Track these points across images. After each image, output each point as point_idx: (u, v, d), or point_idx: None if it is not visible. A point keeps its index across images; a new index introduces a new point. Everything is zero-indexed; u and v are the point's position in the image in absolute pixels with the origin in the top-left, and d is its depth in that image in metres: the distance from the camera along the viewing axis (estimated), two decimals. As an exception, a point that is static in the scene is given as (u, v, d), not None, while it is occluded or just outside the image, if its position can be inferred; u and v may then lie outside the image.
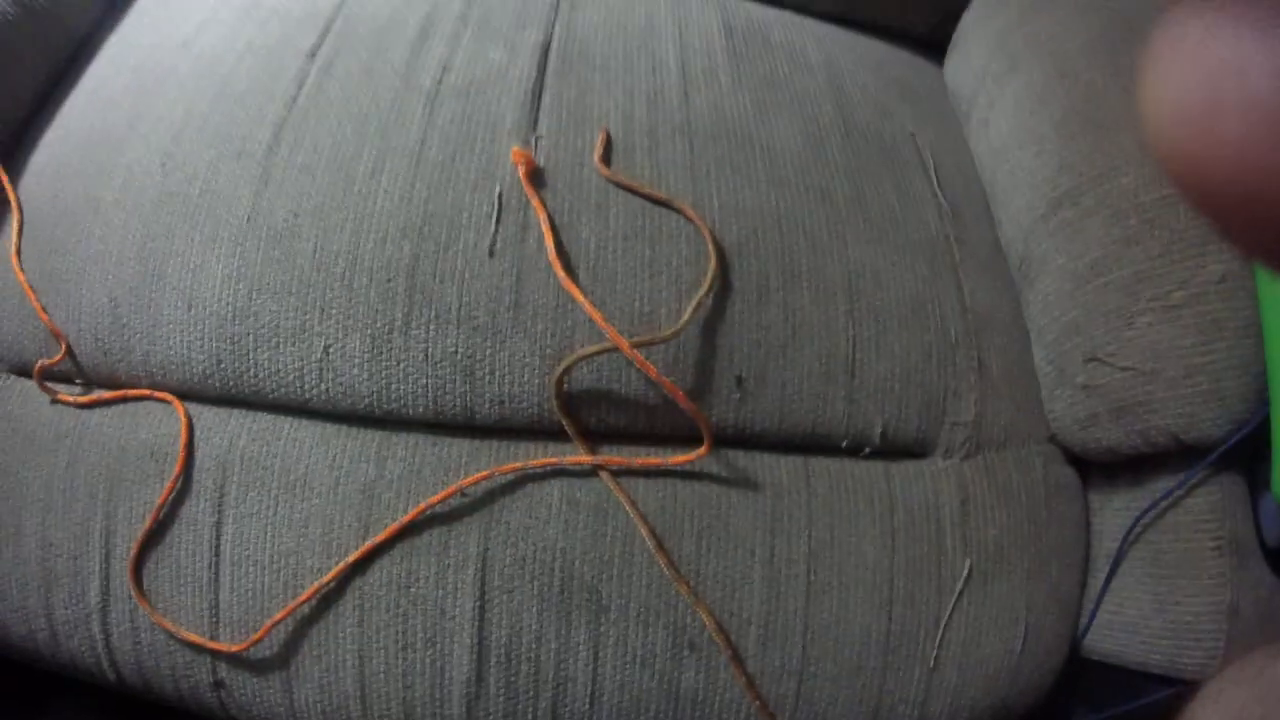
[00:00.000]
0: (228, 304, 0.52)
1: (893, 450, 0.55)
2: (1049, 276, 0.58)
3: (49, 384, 0.56)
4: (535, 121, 0.56)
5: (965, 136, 0.69)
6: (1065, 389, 0.57)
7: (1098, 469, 0.59)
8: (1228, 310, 0.50)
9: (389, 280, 0.50)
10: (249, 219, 0.53)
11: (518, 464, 0.48)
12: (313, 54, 0.61)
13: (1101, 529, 0.57)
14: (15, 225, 0.59)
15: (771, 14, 0.72)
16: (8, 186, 0.61)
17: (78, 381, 0.56)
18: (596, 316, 0.46)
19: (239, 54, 0.62)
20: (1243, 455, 0.52)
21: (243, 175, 0.55)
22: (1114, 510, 0.57)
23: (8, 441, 0.54)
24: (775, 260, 0.53)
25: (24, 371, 0.56)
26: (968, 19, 0.74)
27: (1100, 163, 0.56)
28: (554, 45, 0.62)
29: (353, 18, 0.64)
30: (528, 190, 0.50)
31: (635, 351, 0.47)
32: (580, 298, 0.47)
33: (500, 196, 0.51)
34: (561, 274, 0.47)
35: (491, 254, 0.50)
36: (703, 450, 0.49)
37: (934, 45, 0.76)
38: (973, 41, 0.72)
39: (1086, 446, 0.56)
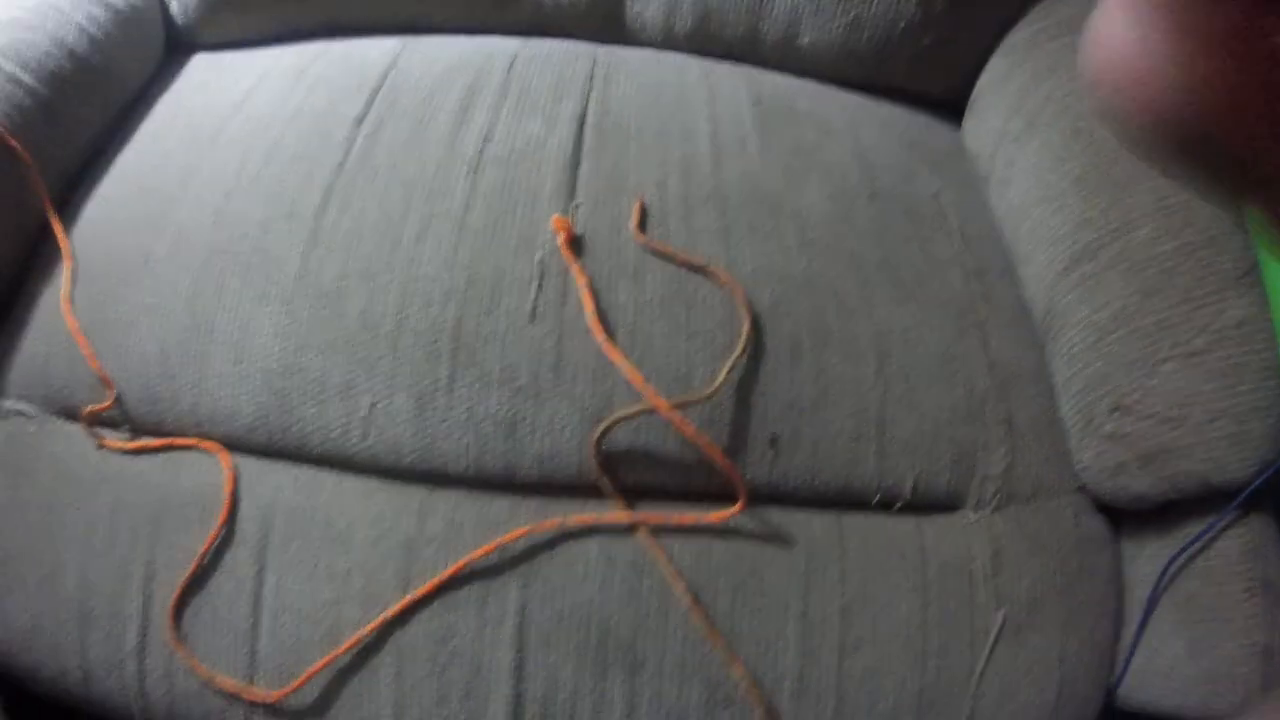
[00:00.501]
0: (276, 359, 0.55)
1: (924, 505, 0.56)
2: (1072, 329, 0.59)
3: (96, 429, 0.58)
4: (573, 190, 0.59)
5: (986, 196, 0.71)
6: (1093, 439, 0.57)
7: (1128, 517, 0.59)
8: (1249, 354, 0.51)
9: (434, 341, 0.53)
10: (298, 278, 0.56)
11: (557, 520, 0.50)
12: (360, 120, 0.65)
13: (1133, 577, 0.58)
14: (67, 272, 0.61)
15: (796, 84, 0.76)
16: (60, 234, 0.64)
17: (124, 427, 0.58)
18: (635, 379, 0.48)
19: (288, 118, 0.66)
20: (1272, 496, 0.53)
21: (292, 235, 0.58)
22: (1145, 558, 0.58)
23: (52, 482, 0.56)
24: (806, 322, 0.55)
25: (71, 415, 0.58)
26: (983, 82, 0.77)
27: (1117, 217, 0.58)
28: (590, 117, 0.66)
29: (398, 87, 0.68)
30: (567, 257, 0.53)
31: (673, 412, 0.48)
32: (619, 360, 0.49)
33: (541, 262, 0.54)
34: (601, 337, 0.49)
35: (533, 318, 0.53)
36: (738, 508, 0.50)
37: (952, 107, 0.79)
38: (989, 104, 0.74)
39: (1116, 495, 0.57)
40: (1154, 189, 0.57)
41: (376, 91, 0.67)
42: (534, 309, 0.53)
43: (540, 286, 0.53)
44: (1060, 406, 0.61)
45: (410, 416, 0.52)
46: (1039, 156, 0.65)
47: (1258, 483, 0.51)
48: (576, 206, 0.58)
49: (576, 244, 0.55)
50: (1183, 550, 0.54)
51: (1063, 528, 0.58)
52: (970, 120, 0.77)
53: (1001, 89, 0.72)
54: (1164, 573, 0.55)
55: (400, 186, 0.59)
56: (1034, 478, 0.58)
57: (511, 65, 0.70)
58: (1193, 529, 0.54)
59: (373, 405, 0.52)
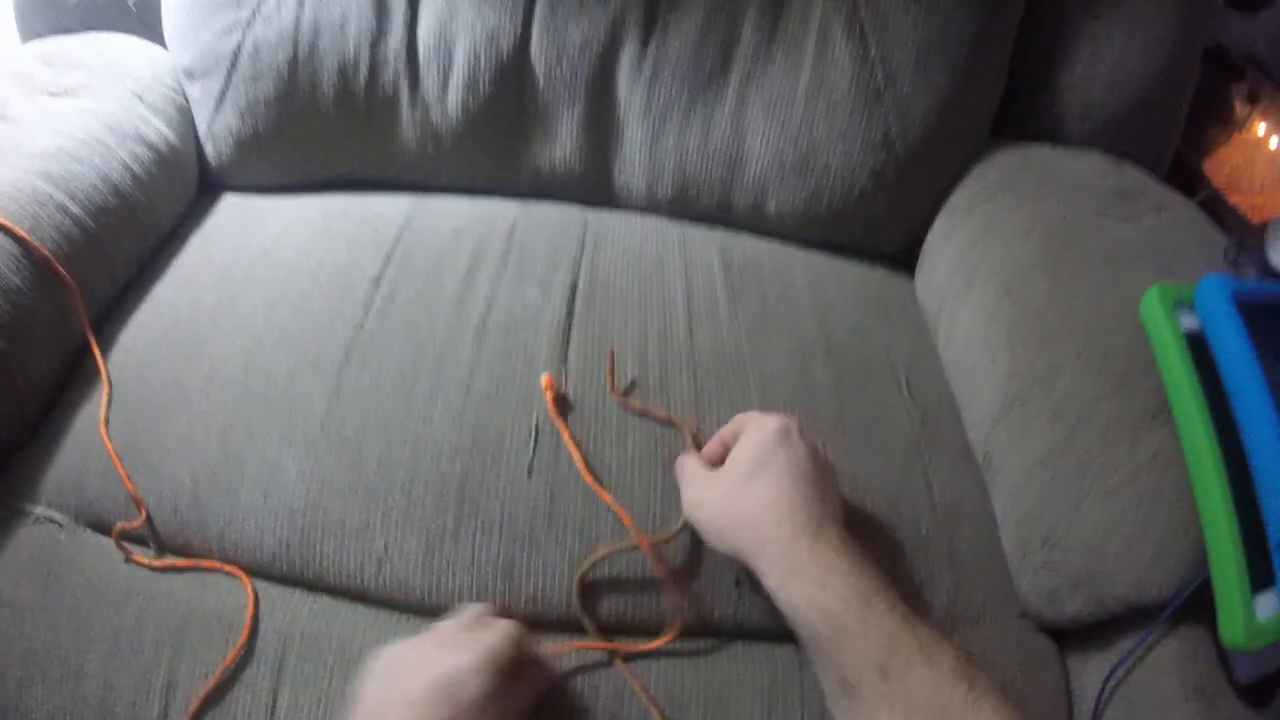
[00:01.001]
0: (300, 499, 0.62)
1: (874, 636, 0.63)
2: (1006, 470, 0.68)
3: (125, 544, 0.65)
4: (566, 357, 0.69)
5: (934, 343, 0.81)
6: (1028, 568, 0.65)
7: (1070, 635, 0.66)
8: (1162, 484, 0.58)
9: (442, 493, 0.61)
10: (322, 426, 0.64)
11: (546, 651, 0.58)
12: (377, 281, 0.74)
13: (1080, 690, 0.64)
14: (105, 395, 0.68)
15: (763, 245, 0.87)
16: (99, 358, 0.71)
17: (152, 545, 0.65)
18: (624, 517, 0.57)
19: (313, 272, 0.75)
20: (1205, 604, 0.58)
21: (317, 386, 0.66)
22: (1089, 671, 0.64)
23: (80, 590, 0.62)
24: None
25: (102, 528, 0.64)
26: (930, 240, 0.87)
27: (1041, 368, 0.67)
28: (580, 286, 0.76)
29: (411, 248, 0.78)
30: (554, 415, 0.63)
31: (651, 549, 0.57)
32: (609, 500, 0.58)
33: (537, 424, 0.63)
34: (590, 481, 0.59)
35: (530, 474, 0.61)
36: (673, 634, 0.58)
37: (906, 260, 0.90)
38: (934, 261, 0.85)
39: (1054, 617, 0.64)
40: (1072, 342, 0.66)
41: (392, 252, 0.77)
42: (531, 467, 0.61)
43: (536, 446, 0.62)
44: (1002, 538, 0.69)
45: (420, 558, 0.60)
46: (975, 312, 0.75)
47: (1179, 600, 0.58)
48: (568, 373, 0.67)
49: (566, 404, 0.64)
50: (1120, 663, 0.61)
51: (1007, 649, 0.64)
52: (920, 274, 0.87)
53: (944, 247, 0.83)
54: (1105, 684, 0.61)
55: (413, 348, 0.68)
56: (978, 605, 0.65)
57: (511, 233, 0.80)
58: (1129, 643, 0.61)
59: (386, 546, 0.60)
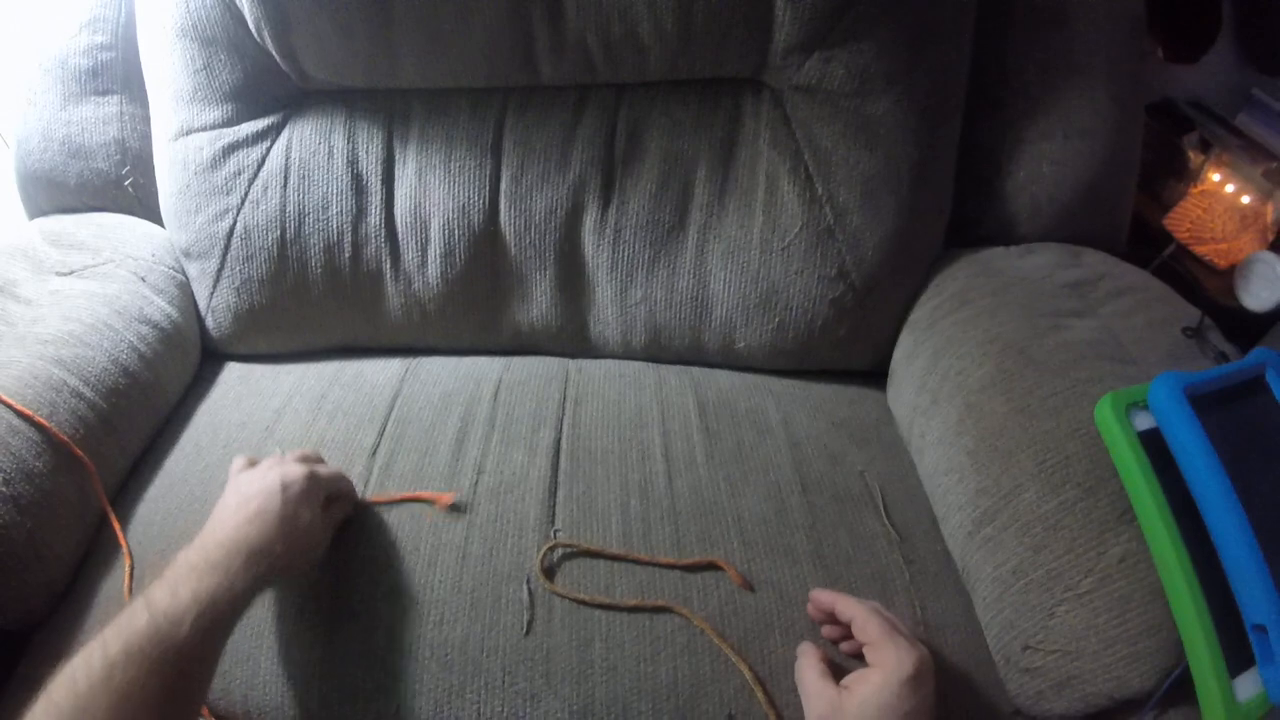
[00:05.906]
0: (316, 666, 0.75)
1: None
2: (983, 583, 0.79)
3: None
4: (553, 516, 0.83)
5: (910, 457, 0.93)
6: (1013, 673, 0.75)
7: None
8: (1132, 584, 0.69)
9: (446, 655, 0.74)
10: (333, 598, 0.78)
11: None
12: (374, 452, 0.89)
13: None
14: (127, 568, 0.82)
15: (736, 380, 1.01)
16: (119, 533, 0.85)
17: None
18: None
19: (314, 446, 0.90)
20: (1191, 687, 0.67)
21: (324, 561, 0.80)
22: None
23: None
24: (751, 617, 0.76)
25: None
26: (896, 357, 1.00)
27: (1006, 484, 0.79)
28: (564, 444, 0.90)
29: (403, 416, 0.93)
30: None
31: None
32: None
33: (530, 584, 0.77)
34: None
35: (527, 632, 0.74)
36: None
37: (878, 373, 1.04)
38: (901, 378, 0.98)
39: (1044, 716, 0.73)
40: (1033, 455, 0.78)
41: (386, 422, 0.93)
42: (528, 625, 0.75)
43: (532, 607, 0.76)
44: (988, 642, 0.80)
45: (429, 717, 0.72)
46: (941, 431, 0.88)
47: (1164, 689, 0.67)
48: (556, 532, 0.81)
49: (556, 570, 0.78)
50: (1111, 754, 0.69)
51: (1000, 748, 0.75)
52: (891, 389, 1.01)
53: (909, 366, 0.96)
54: (1096, 775, 0.70)
55: (411, 519, 0.82)
56: (967, 711, 0.76)
57: (496, 393, 0.96)
58: (1119, 733, 0.70)
59: (398, 708, 0.73)
